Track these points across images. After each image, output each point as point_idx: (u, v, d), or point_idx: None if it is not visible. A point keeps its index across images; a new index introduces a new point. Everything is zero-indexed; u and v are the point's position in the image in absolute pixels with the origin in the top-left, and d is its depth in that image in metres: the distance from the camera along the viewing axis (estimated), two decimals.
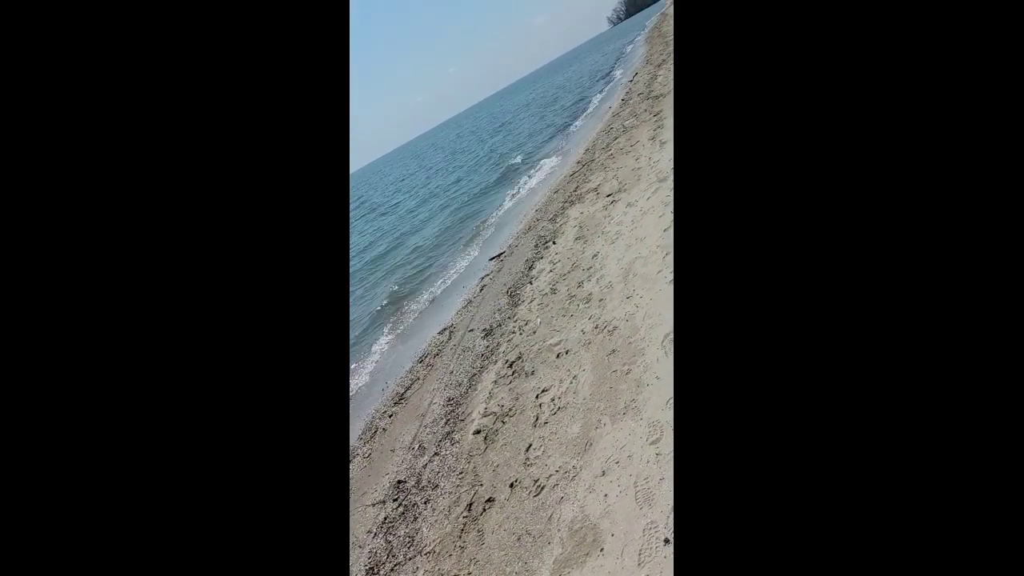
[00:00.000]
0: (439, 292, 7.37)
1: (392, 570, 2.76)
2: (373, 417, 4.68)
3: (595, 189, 6.69)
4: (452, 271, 8.07)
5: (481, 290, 6.17)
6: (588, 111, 16.54)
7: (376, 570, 2.82)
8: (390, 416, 4.47)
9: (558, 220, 6.59)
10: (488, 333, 4.75)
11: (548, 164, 11.92)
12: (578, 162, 9.35)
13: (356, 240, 15.51)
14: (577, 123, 14.19)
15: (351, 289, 10.31)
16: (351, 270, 11.80)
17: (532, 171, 12.20)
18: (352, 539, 3.22)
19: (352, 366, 6.40)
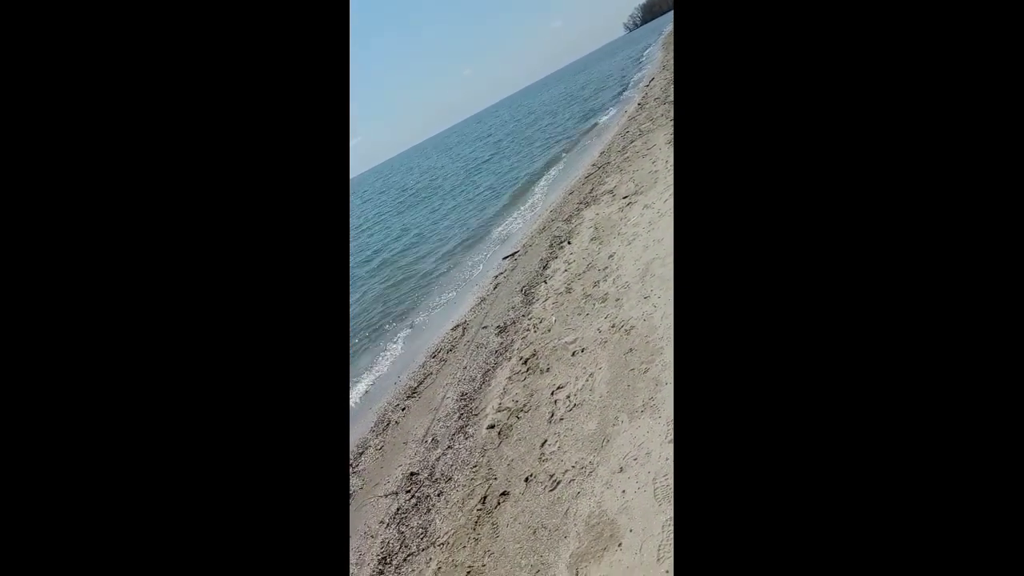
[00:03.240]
0: (452, 288, 7.39)
1: (405, 560, 2.77)
2: (385, 410, 4.69)
3: (611, 191, 6.69)
4: (466, 268, 8.10)
5: (495, 288, 6.19)
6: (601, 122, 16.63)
7: (389, 560, 2.83)
8: (403, 409, 4.49)
9: (573, 221, 6.59)
10: (502, 330, 4.76)
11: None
12: (593, 164, 9.36)
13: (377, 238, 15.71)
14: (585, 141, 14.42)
15: (365, 285, 10.38)
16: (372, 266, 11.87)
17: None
18: (365, 529, 3.24)
19: (365, 359, 6.44)
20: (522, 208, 10.10)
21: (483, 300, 6.03)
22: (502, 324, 4.88)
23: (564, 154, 13.30)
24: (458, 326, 5.66)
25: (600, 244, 5.18)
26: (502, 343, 4.51)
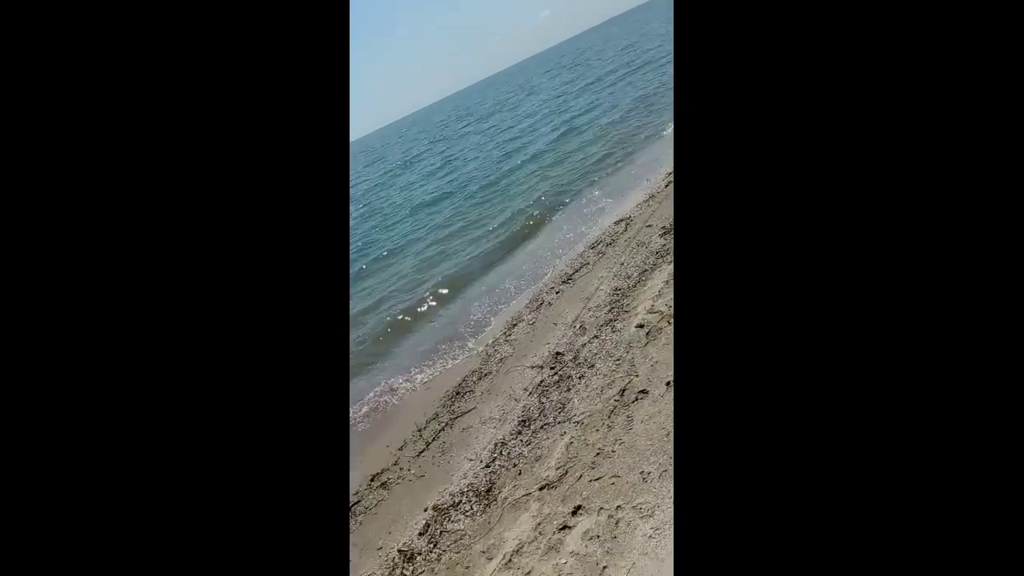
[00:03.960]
0: (622, 180, 7.19)
1: (542, 428, 3.06)
2: (540, 291, 4.94)
3: None
4: (638, 162, 7.76)
5: (667, 186, 5.89)
6: None
7: (528, 424, 3.15)
8: (556, 293, 4.69)
9: None
10: (667, 232, 4.59)
11: None
12: None
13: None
14: None
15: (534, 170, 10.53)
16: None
17: None
18: (510, 392, 3.60)
19: (530, 244, 6.71)
20: None
21: (652, 197, 5.80)
22: (668, 225, 4.71)
23: None
24: (621, 221, 5.58)
25: None
26: (664, 245, 4.38)
